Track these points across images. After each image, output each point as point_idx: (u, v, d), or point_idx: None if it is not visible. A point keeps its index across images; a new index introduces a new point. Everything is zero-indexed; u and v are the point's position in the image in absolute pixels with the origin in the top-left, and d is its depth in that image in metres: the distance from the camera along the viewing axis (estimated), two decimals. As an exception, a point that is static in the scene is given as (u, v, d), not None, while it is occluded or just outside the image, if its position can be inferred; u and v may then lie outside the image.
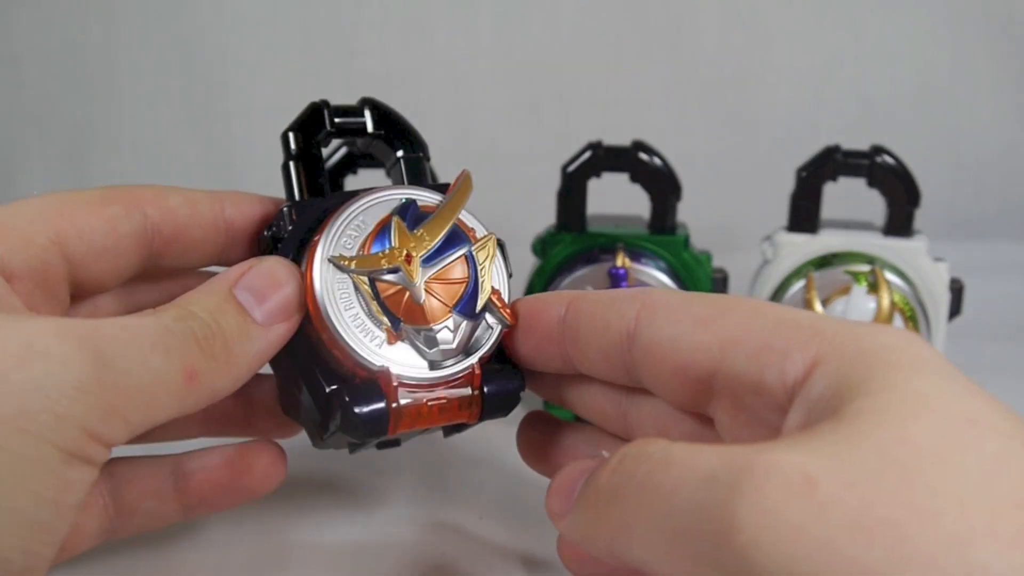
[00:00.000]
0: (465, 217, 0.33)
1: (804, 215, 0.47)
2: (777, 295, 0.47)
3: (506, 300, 0.33)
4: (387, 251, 0.32)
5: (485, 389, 0.31)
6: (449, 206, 0.33)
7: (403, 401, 0.30)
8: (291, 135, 0.34)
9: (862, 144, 0.48)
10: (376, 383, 0.30)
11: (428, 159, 0.36)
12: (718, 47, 0.77)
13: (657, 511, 0.22)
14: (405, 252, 0.32)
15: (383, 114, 0.36)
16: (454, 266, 0.32)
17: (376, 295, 0.31)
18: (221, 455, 0.34)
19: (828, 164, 0.47)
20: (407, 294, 0.31)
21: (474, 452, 0.44)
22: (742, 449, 0.21)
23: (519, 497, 0.40)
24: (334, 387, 0.31)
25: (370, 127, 0.36)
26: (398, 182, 0.36)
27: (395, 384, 0.30)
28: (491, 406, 0.32)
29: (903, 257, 0.46)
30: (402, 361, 0.31)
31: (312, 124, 0.35)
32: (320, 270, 0.31)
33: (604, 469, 0.24)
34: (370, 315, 0.31)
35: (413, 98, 0.79)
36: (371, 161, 0.46)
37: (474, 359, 0.32)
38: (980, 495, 0.19)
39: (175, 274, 0.36)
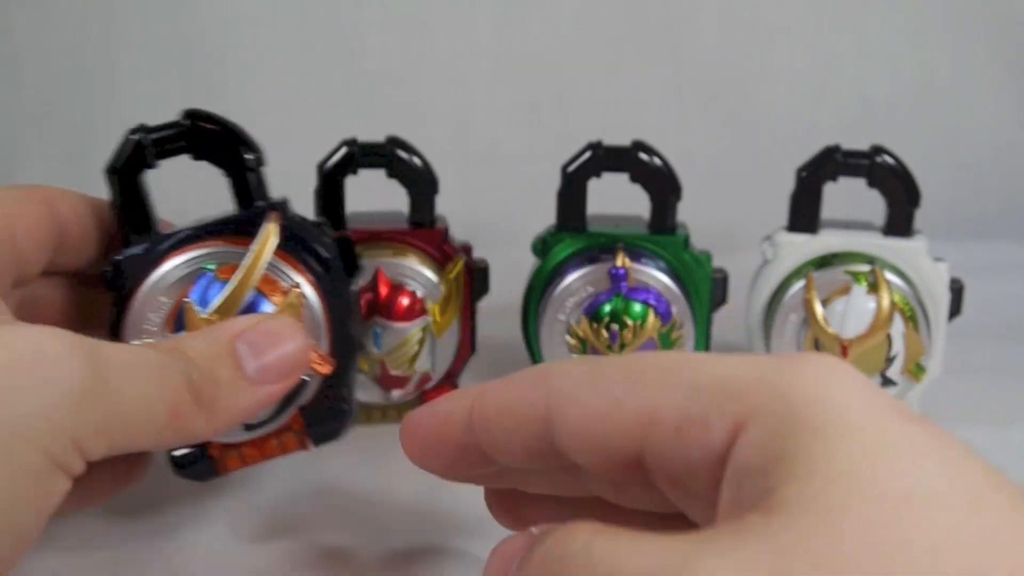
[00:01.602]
0: (274, 268, 0.34)
1: (804, 215, 0.47)
2: (777, 295, 0.47)
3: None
4: None
5: (308, 431, 0.36)
6: (241, 283, 0.33)
7: (227, 457, 0.36)
8: (110, 178, 0.35)
9: (862, 144, 0.48)
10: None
11: (260, 165, 0.36)
12: (718, 47, 0.77)
13: None
14: None
15: (203, 130, 0.36)
16: None
17: None
18: None
19: (828, 164, 0.47)
20: None
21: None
22: (669, 554, 0.19)
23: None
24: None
25: (193, 146, 0.36)
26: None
27: (215, 448, 0.35)
28: (319, 440, 0.37)
29: (903, 257, 0.46)
30: None
31: (134, 157, 0.35)
32: None
33: (528, 566, 0.22)
34: None
35: (413, 98, 0.79)
36: (371, 161, 0.46)
37: (292, 410, 0.35)
38: None
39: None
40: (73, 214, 0.36)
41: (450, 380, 0.49)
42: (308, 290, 0.35)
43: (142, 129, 0.35)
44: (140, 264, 0.34)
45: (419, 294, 0.45)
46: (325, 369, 0.34)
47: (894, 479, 0.19)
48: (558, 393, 0.26)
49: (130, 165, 0.35)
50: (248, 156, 0.35)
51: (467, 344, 0.48)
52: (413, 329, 0.45)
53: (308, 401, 0.35)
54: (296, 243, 0.35)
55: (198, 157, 0.36)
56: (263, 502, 0.40)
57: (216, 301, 0.33)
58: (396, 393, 0.46)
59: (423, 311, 0.45)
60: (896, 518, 0.18)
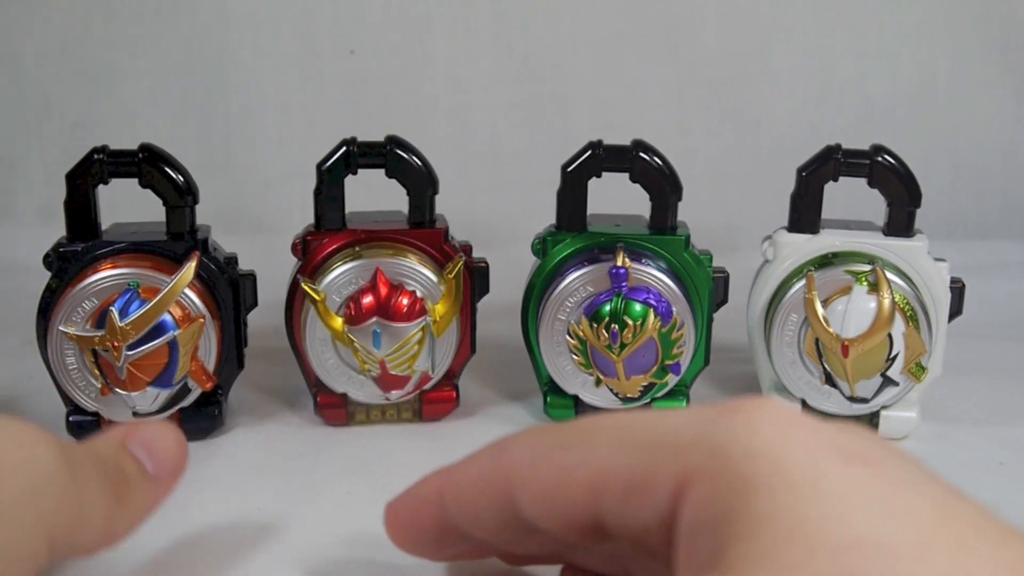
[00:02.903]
0: (186, 297, 0.42)
1: (804, 215, 0.47)
2: (777, 295, 0.47)
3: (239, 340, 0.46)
4: (100, 336, 0.42)
5: (183, 426, 0.42)
6: (155, 307, 0.41)
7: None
8: (67, 182, 0.43)
9: (862, 144, 0.48)
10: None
11: (192, 205, 0.44)
12: (718, 47, 0.77)
13: None
14: (113, 341, 0.41)
15: (152, 167, 0.43)
16: (157, 350, 0.42)
17: (96, 360, 0.42)
18: None
19: (829, 164, 0.47)
20: None
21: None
22: None
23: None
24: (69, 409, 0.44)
25: (140, 178, 0.43)
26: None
27: (105, 423, 0.44)
28: (190, 436, 0.41)
29: (904, 257, 0.46)
30: (111, 407, 0.43)
31: (88, 171, 0.43)
32: (53, 332, 0.42)
33: None
34: (89, 371, 0.43)
35: (413, 98, 0.79)
36: (370, 160, 0.46)
37: (174, 410, 0.44)
38: None
39: None
40: None
41: (450, 380, 0.48)
42: (208, 318, 0.43)
43: (103, 150, 0.43)
44: (77, 260, 0.43)
45: (419, 294, 0.45)
46: (208, 386, 0.43)
47: (840, 530, 0.19)
48: (517, 467, 0.26)
49: (84, 175, 0.43)
50: (185, 197, 0.44)
51: (467, 344, 0.48)
52: (413, 329, 0.45)
53: (188, 405, 0.44)
54: (207, 277, 0.44)
55: (144, 185, 0.44)
56: (262, 500, 0.40)
57: (134, 315, 0.41)
58: (396, 393, 0.46)
59: (423, 311, 0.45)
60: (846, 572, 0.18)
